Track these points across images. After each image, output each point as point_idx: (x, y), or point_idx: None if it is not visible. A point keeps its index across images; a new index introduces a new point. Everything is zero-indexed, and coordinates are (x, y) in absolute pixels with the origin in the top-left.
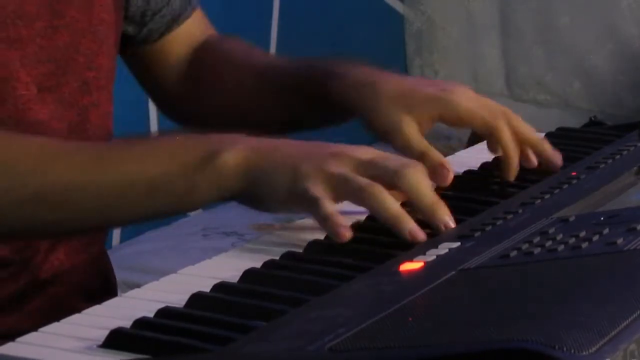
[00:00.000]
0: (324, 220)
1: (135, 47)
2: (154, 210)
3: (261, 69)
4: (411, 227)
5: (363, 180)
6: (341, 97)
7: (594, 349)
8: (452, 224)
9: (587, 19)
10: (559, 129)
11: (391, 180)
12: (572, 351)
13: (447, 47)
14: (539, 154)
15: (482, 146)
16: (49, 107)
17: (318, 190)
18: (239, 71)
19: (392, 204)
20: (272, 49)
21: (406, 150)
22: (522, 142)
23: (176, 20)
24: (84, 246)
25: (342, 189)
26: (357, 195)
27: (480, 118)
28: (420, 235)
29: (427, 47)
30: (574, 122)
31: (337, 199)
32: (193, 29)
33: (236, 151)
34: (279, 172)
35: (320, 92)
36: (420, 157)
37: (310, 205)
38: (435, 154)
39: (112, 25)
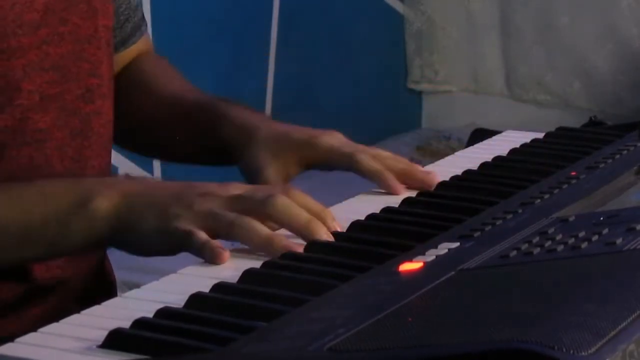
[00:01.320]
0: (201, 248)
1: None
2: (28, 256)
3: (168, 101)
4: (285, 244)
5: (231, 215)
6: (224, 140)
7: (593, 349)
8: (331, 238)
9: (587, 19)
10: (559, 129)
11: (261, 211)
12: (572, 351)
13: (447, 47)
14: (411, 179)
15: (482, 146)
16: (50, 115)
17: (188, 225)
18: (146, 95)
19: (261, 229)
20: (272, 49)
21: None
22: (394, 172)
23: (124, 43)
24: (84, 255)
25: (212, 225)
26: (226, 229)
27: (341, 155)
28: (295, 247)
29: (427, 47)
30: (574, 122)
31: (206, 232)
32: (134, 54)
33: (108, 197)
34: (148, 216)
35: (209, 133)
36: None
37: (184, 241)
38: (313, 203)
39: (112, 32)
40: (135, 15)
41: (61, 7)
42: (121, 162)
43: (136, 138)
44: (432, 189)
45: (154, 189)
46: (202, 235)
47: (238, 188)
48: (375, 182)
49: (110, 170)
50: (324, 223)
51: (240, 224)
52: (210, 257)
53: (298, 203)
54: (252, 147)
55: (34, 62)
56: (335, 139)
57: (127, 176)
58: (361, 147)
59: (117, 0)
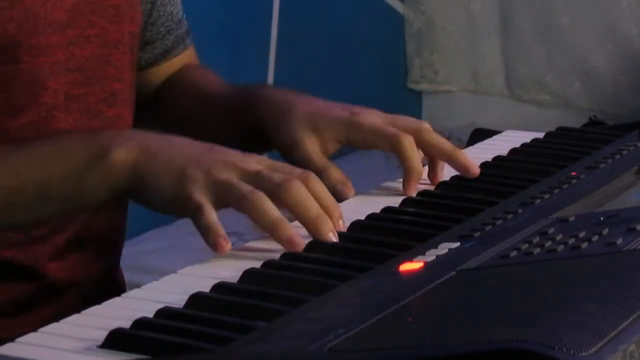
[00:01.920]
0: (205, 230)
1: None
2: (48, 212)
3: (212, 97)
4: (289, 234)
5: (246, 188)
6: (261, 119)
7: (593, 349)
8: (335, 239)
9: (587, 19)
10: (559, 129)
11: (275, 193)
12: (572, 352)
13: (447, 47)
14: (453, 165)
15: (482, 146)
16: (73, 115)
17: (201, 196)
18: (194, 97)
19: (271, 211)
20: (272, 49)
21: (307, 165)
22: (436, 155)
23: (166, 55)
24: (97, 258)
25: (225, 196)
26: (238, 202)
27: (383, 136)
28: (299, 242)
29: (427, 47)
30: (574, 122)
31: (220, 205)
32: (178, 67)
33: (126, 149)
34: (166, 173)
35: (245, 118)
36: (320, 173)
37: (194, 213)
38: (335, 172)
39: (137, 39)
40: (178, 28)
41: (89, 10)
42: None
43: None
44: (475, 175)
45: (175, 146)
46: (210, 216)
47: (260, 162)
48: (405, 171)
49: None
50: (331, 218)
51: (252, 200)
52: (211, 243)
53: (313, 193)
54: (289, 122)
55: (60, 62)
56: (377, 117)
57: (147, 131)
58: (403, 122)
59: (156, 11)
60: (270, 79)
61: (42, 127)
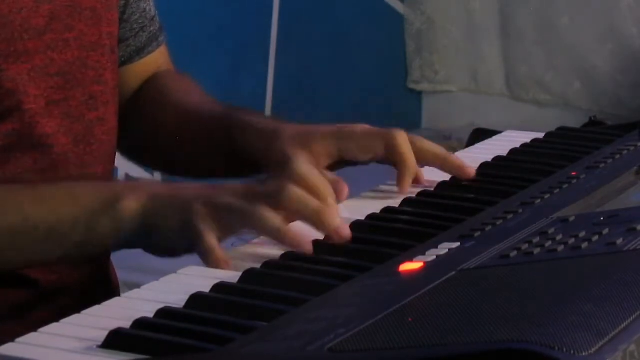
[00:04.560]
0: (206, 255)
1: None
2: (54, 256)
3: (185, 116)
4: (293, 237)
5: (245, 206)
6: (246, 146)
7: (593, 349)
8: (346, 231)
9: (587, 19)
10: (559, 129)
11: (273, 202)
12: (572, 352)
13: (447, 47)
14: (448, 167)
15: (482, 146)
16: (56, 120)
17: (203, 224)
18: (165, 111)
19: (273, 219)
20: (272, 48)
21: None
22: (430, 160)
23: (139, 52)
24: (90, 259)
25: (227, 218)
26: (242, 219)
27: (376, 136)
28: (306, 243)
29: (427, 47)
30: (574, 122)
31: (226, 231)
32: (152, 64)
33: (136, 198)
34: (172, 213)
35: (228, 141)
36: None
37: (195, 240)
38: (328, 174)
39: (116, 40)
40: (151, 25)
41: (66, 14)
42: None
43: (154, 154)
44: (471, 176)
45: (179, 189)
46: (210, 241)
47: (256, 182)
48: (400, 168)
49: (112, 178)
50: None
51: (254, 214)
52: (211, 267)
53: (308, 189)
54: (279, 142)
55: (39, 67)
56: (365, 128)
57: (154, 180)
58: (400, 131)
59: (129, 9)
60: (271, 79)
61: (27, 133)
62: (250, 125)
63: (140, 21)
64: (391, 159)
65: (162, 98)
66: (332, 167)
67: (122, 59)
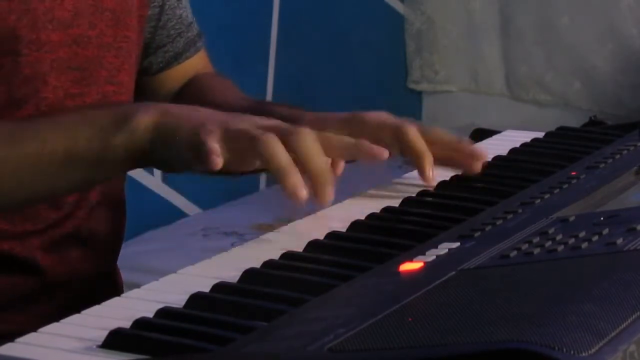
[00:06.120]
0: (206, 154)
1: None
2: (73, 179)
3: (226, 109)
4: (295, 181)
5: (258, 131)
6: None
7: (593, 350)
8: (329, 197)
9: (587, 19)
10: (559, 129)
11: (287, 138)
12: (572, 352)
13: (447, 47)
14: (458, 153)
15: (482, 146)
16: None
17: (214, 142)
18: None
19: (283, 154)
20: (272, 48)
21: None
22: (441, 146)
23: (177, 58)
24: (95, 256)
25: (238, 140)
26: (250, 144)
27: (386, 127)
28: (302, 192)
29: (427, 47)
30: (574, 122)
31: (234, 153)
32: (191, 70)
33: (148, 113)
34: (185, 127)
35: None
36: None
37: (199, 149)
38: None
39: (135, 45)
40: (188, 31)
41: (90, 12)
42: None
43: None
44: (477, 170)
45: (194, 110)
46: (212, 142)
47: (272, 120)
48: (413, 161)
49: (125, 176)
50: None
51: (266, 142)
52: (204, 161)
53: (323, 145)
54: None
55: (62, 59)
56: (383, 115)
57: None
58: (409, 121)
59: (164, 15)
60: (270, 79)
61: None
62: (274, 113)
63: (177, 27)
64: (403, 154)
65: (200, 95)
66: None
67: (161, 65)
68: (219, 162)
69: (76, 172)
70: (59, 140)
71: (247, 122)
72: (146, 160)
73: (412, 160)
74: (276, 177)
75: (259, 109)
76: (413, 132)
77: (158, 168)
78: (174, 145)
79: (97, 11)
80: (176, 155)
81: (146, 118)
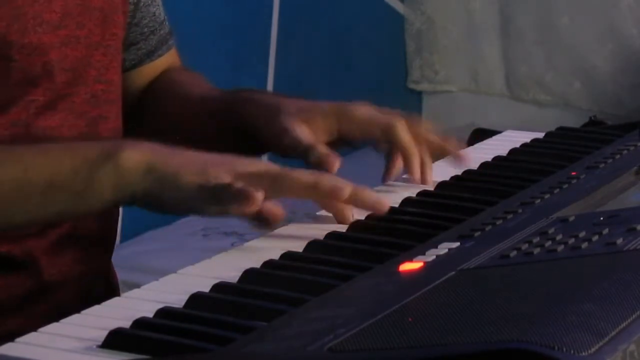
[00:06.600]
0: (236, 194)
1: None
2: (53, 210)
3: (195, 101)
4: (331, 184)
5: (275, 169)
6: (250, 120)
7: (593, 349)
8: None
9: (587, 19)
10: (559, 129)
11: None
12: (572, 352)
13: (447, 47)
14: (444, 153)
15: (482, 146)
16: (60, 114)
17: (227, 179)
18: (179, 101)
19: (305, 175)
20: (272, 49)
21: (296, 148)
22: (428, 145)
23: (150, 55)
24: (90, 255)
25: (255, 183)
26: (272, 182)
27: (375, 123)
28: (342, 189)
29: (427, 47)
30: (574, 122)
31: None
32: (162, 67)
33: (138, 150)
34: (186, 171)
35: (230, 119)
36: (308, 149)
37: (222, 192)
38: (323, 147)
39: (121, 42)
40: (161, 28)
41: (78, 12)
42: None
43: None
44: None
45: (184, 151)
46: (247, 187)
47: (256, 163)
48: (402, 158)
49: None
50: None
51: (285, 175)
52: (242, 200)
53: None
54: (280, 116)
55: (54, 61)
56: (370, 109)
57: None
58: (399, 115)
59: (139, 13)
60: (270, 79)
61: (32, 125)
62: (252, 100)
63: (150, 25)
64: (393, 150)
65: (170, 88)
66: (331, 146)
67: (133, 62)
68: (259, 196)
69: (57, 202)
70: (42, 168)
71: (254, 164)
72: (133, 199)
73: (402, 158)
74: (308, 196)
75: (236, 98)
76: (401, 130)
77: (151, 210)
78: (176, 187)
79: (85, 11)
80: (179, 195)
81: (135, 155)
